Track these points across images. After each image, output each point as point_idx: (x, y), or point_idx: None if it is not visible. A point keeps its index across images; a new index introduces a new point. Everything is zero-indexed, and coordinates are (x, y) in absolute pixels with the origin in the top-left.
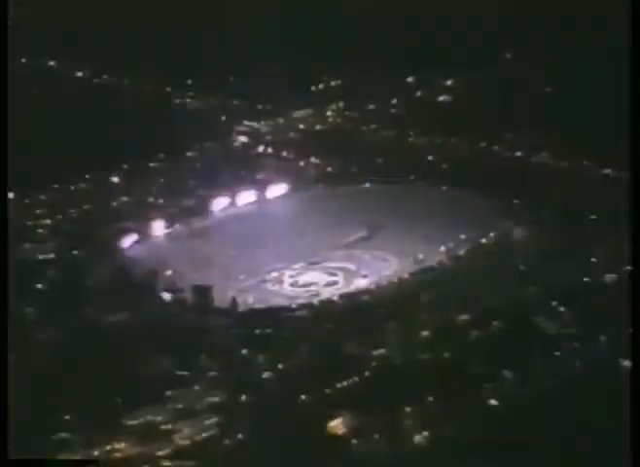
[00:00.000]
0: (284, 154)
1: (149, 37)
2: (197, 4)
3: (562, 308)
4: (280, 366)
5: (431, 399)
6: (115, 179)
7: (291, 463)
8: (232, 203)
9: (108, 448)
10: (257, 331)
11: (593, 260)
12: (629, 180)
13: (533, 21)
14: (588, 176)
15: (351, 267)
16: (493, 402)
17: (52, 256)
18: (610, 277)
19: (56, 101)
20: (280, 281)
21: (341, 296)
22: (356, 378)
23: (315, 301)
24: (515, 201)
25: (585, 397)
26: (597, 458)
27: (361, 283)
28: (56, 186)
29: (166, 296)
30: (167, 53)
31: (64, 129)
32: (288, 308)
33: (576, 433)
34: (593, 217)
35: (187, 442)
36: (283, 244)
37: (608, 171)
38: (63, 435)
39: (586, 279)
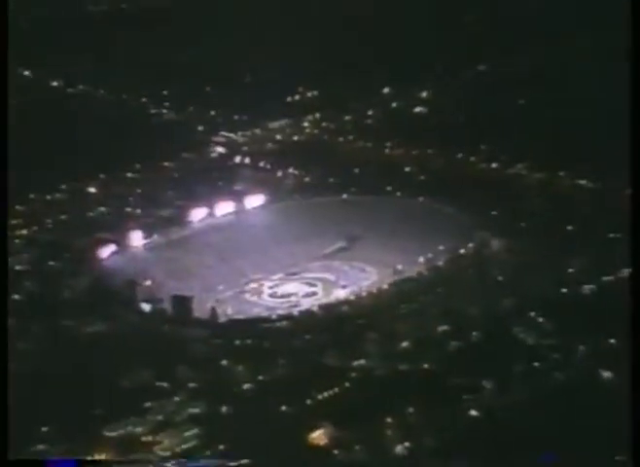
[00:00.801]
0: (261, 164)
1: (124, 47)
2: (174, 15)
3: (541, 319)
4: (260, 377)
5: (412, 410)
6: (92, 189)
7: None
8: (211, 214)
9: (88, 458)
10: (237, 342)
11: (571, 270)
12: (630, 185)
13: (507, 36)
14: (564, 187)
15: (330, 277)
16: (474, 412)
17: (28, 267)
18: (588, 288)
19: (31, 111)
20: (259, 292)
21: (321, 306)
22: (337, 389)
23: (295, 311)
24: (493, 213)
25: (565, 407)
26: (575, 465)
27: (340, 294)
28: (32, 196)
29: (145, 306)
30: (143, 63)
31: (40, 139)
32: (267, 319)
33: (557, 442)
34: (570, 228)
35: (167, 453)
36: (262, 255)
37: (583, 182)
38: (41, 447)
39: (563, 290)
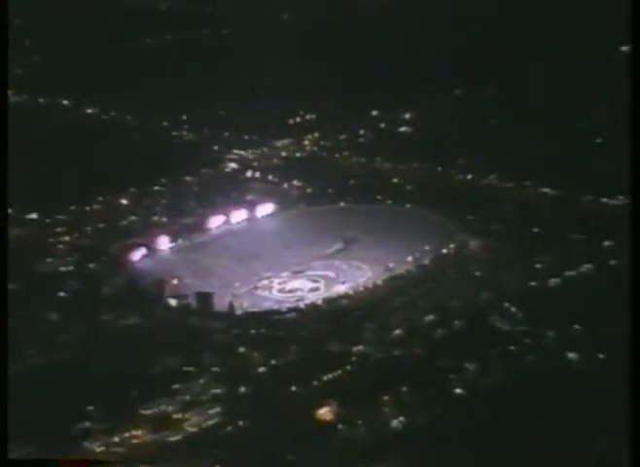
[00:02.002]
0: (269, 178)
1: (149, 79)
2: (192, 51)
3: (514, 309)
4: (273, 361)
5: (405, 389)
6: (124, 201)
7: (286, 446)
8: (227, 221)
9: (127, 435)
10: (252, 331)
11: (538, 266)
12: (629, 185)
13: (478, 67)
14: (530, 195)
15: (331, 274)
16: (458, 390)
17: (71, 268)
18: (553, 281)
19: (73, 135)
20: (270, 288)
21: (324, 300)
22: (339, 372)
23: (301, 304)
24: (470, 217)
25: (536, 384)
26: (547, 435)
27: (340, 289)
28: (73, 207)
29: (172, 302)
30: (165, 92)
31: (81, 159)
32: (278, 311)
33: (530, 414)
34: (536, 230)
35: (195, 429)
36: (271, 256)
37: (546, 190)
38: (87, 424)
39: (532, 284)
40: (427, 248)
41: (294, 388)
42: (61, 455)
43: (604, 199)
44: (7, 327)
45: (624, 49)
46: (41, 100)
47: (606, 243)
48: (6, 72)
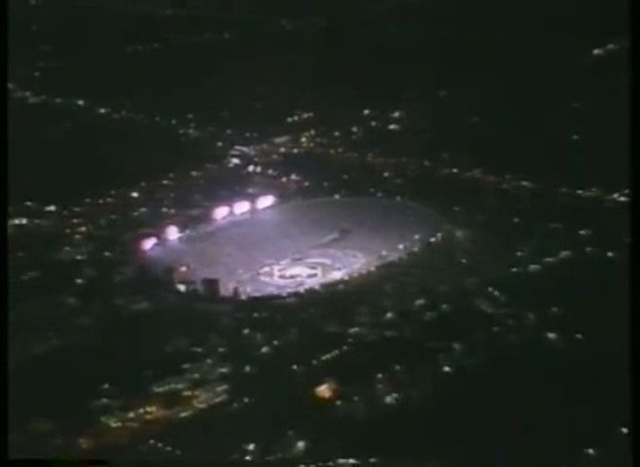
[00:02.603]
0: (269, 172)
1: (159, 81)
2: (199, 56)
3: (497, 293)
4: (275, 342)
5: (398, 367)
6: (135, 194)
7: (288, 421)
8: (230, 213)
9: (141, 411)
10: (255, 314)
11: (519, 254)
12: (630, 182)
13: (462, 68)
14: (511, 188)
15: (327, 262)
16: (447, 368)
17: (87, 257)
18: (533, 267)
19: (88, 134)
20: (271, 274)
21: (321, 285)
22: (337, 352)
23: (300, 289)
24: (456, 208)
25: (518, 363)
26: (529, 409)
27: (336, 275)
28: (89, 200)
29: (181, 287)
30: (173, 93)
31: (95, 155)
32: (279, 296)
33: (514, 391)
34: (517, 220)
35: (204, 405)
36: (272, 245)
37: (526, 183)
38: (104, 401)
39: (514, 269)
40: (416, 237)
41: (295, 367)
42: (80, 430)
43: (579, 191)
44: (7, 328)
45: (597, 52)
46: (58, 101)
47: (582, 232)
48: (6, 73)
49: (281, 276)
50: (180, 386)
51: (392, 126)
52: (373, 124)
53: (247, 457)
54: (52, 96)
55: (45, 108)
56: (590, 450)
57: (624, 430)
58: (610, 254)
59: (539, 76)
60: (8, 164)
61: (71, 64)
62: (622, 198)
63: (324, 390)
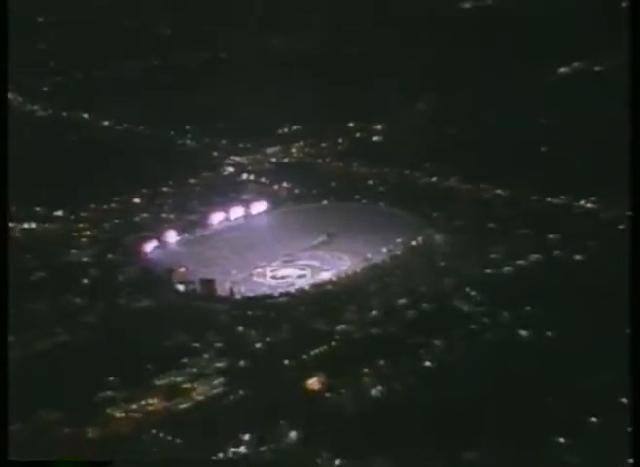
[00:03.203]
0: (262, 180)
1: (157, 96)
2: (195, 71)
3: (473, 293)
4: (268, 339)
5: (382, 362)
6: (137, 200)
7: (280, 412)
8: (226, 218)
9: (143, 402)
10: (249, 312)
11: (493, 256)
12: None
13: (438, 83)
14: (486, 195)
15: (316, 263)
16: (427, 363)
17: (92, 259)
18: (506, 269)
19: (93, 144)
20: (264, 275)
21: (310, 285)
22: (325, 347)
23: (291, 289)
24: (434, 214)
25: (493, 357)
26: (504, 400)
27: (324, 276)
28: (94, 206)
29: (180, 287)
30: (172, 107)
31: (100, 164)
32: (271, 295)
33: (490, 384)
34: (491, 225)
35: (202, 397)
36: (264, 247)
37: (499, 191)
38: (109, 393)
39: (488, 271)
40: (399, 241)
41: (286, 362)
42: (87, 421)
43: (548, 199)
44: (7, 328)
45: (562, 70)
46: (64, 114)
47: (550, 236)
48: (6, 74)
49: (273, 277)
50: (179, 379)
51: (375, 138)
52: (358, 135)
53: (242, 447)
54: (58, 110)
55: (52, 121)
56: (561, 439)
57: (594, 419)
58: (576, 257)
59: (508, 92)
60: (7, 166)
61: (76, 80)
62: (589, 205)
63: (314, 383)
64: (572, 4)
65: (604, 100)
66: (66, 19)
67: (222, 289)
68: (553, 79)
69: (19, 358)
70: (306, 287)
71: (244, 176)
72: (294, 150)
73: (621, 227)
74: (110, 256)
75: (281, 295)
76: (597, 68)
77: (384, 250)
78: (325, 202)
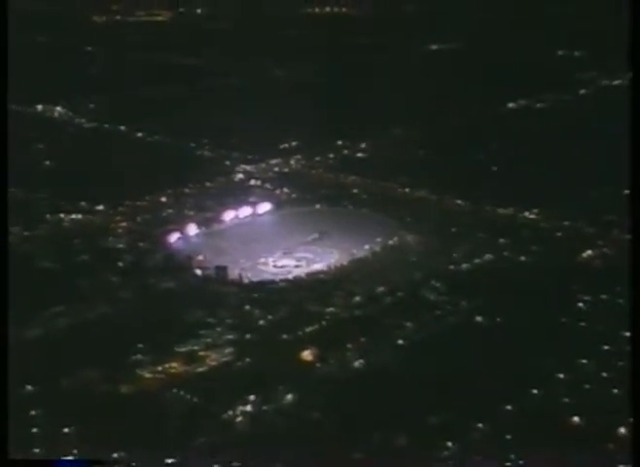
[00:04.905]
0: (266, 186)
1: (182, 115)
2: (213, 96)
3: (438, 284)
4: (270, 317)
5: (363, 339)
6: (163, 199)
7: (279, 378)
8: (236, 216)
9: (167, 366)
10: (254, 295)
11: (455, 255)
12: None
13: (410, 112)
14: (449, 204)
15: (310, 256)
16: (400, 341)
17: (126, 246)
18: (465, 266)
19: (128, 153)
20: (267, 264)
21: (305, 274)
22: (317, 326)
23: (289, 277)
24: (407, 219)
25: (455, 338)
26: (464, 375)
27: (317, 267)
28: (128, 202)
29: (198, 272)
30: (192, 124)
31: (133, 169)
32: (272, 281)
33: (451, 360)
34: (454, 230)
35: (214, 363)
36: (267, 241)
37: (460, 202)
38: (139, 357)
39: (451, 267)
40: (378, 240)
41: (284, 336)
42: (121, 379)
43: (499, 210)
44: (7, 325)
45: (511, 105)
46: (105, 126)
47: (501, 240)
48: (6, 77)
49: (274, 266)
50: (196, 348)
51: (359, 155)
52: (345, 152)
53: (248, 406)
54: (101, 123)
55: (95, 132)
56: (508, 407)
57: (535, 391)
58: (521, 258)
59: (467, 121)
60: (7, 165)
61: (115, 99)
62: (531, 216)
63: (307, 355)
64: (521, 56)
65: (545, 130)
66: (106, 50)
67: (232, 275)
68: (504, 111)
69: (69, 326)
70: (302, 275)
71: (252, 182)
72: (292, 162)
73: (557, 234)
74: (141, 244)
75: (281, 281)
76: (539, 105)
77: (366, 247)
78: (318, 206)
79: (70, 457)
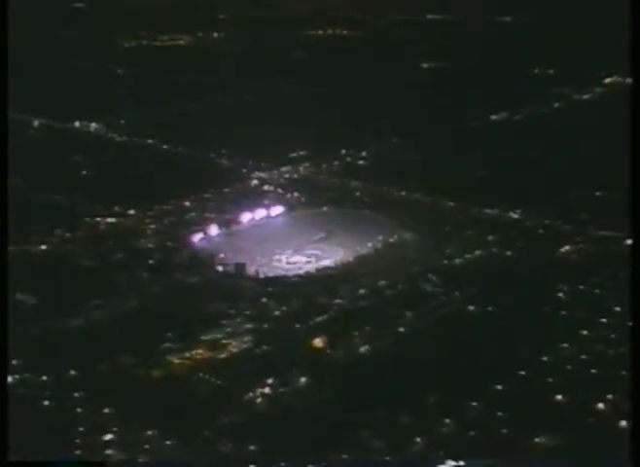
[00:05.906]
0: (279, 191)
1: (202, 127)
2: (228, 111)
3: (434, 277)
4: (284, 308)
5: (367, 327)
6: (187, 203)
7: (293, 363)
8: (252, 218)
9: (193, 352)
10: (269, 288)
11: (448, 251)
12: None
13: (409, 124)
14: (441, 206)
15: (319, 253)
16: (401, 329)
17: (155, 245)
18: (458, 260)
19: (156, 163)
20: (280, 261)
21: (315, 269)
22: (326, 316)
23: (300, 272)
24: (404, 219)
25: (449, 325)
26: (457, 359)
27: (325, 263)
28: (157, 206)
29: (219, 268)
30: (212, 135)
31: (161, 177)
32: (285, 276)
33: (447, 345)
34: (446, 228)
35: (235, 350)
36: (280, 240)
37: (451, 203)
38: (168, 344)
39: (445, 262)
40: (379, 238)
41: (297, 325)
42: (153, 365)
43: (486, 210)
44: (7, 324)
45: (493, 117)
46: (135, 140)
47: (489, 238)
48: (6, 80)
49: (287, 262)
50: (219, 336)
51: (361, 162)
52: (349, 159)
53: (266, 388)
54: (131, 137)
55: (127, 145)
56: (498, 386)
57: (523, 372)
58: (508, 253)
59: (455, 131)
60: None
61: (145, 116)
62: (516, 216)
63: (318, 342)
64: (502, 72)
65: (523, 140)
66: (134, 72)
67: (249, 270)
68: (488, 122)
69: (105, 318)
70: (312, 271)
71: (265, 187)
72: (301, 169)
73: (539, 231)
74: (169, 243)
75: (293, 276)
76: (517, 117)
77: (369, 245)
78: (325, 208)
79: (71, 458)
